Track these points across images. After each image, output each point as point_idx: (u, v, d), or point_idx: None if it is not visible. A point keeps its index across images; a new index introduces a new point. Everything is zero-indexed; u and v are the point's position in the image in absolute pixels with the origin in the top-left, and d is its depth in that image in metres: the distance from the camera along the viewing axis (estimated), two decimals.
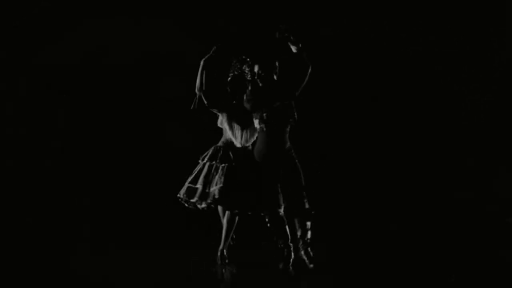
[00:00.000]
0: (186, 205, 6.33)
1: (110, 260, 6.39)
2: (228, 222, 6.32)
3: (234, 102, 6.45)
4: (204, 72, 6.33)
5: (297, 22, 9.17)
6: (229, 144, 6.38)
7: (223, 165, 6.23)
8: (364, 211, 9.03)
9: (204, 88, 6.32)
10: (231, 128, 6.33)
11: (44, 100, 8.97)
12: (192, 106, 6.39)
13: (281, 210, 6.20)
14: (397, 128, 9.47)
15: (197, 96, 6.37)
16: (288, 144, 6.34)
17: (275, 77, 6.45)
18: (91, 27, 9.01)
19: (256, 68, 6.46)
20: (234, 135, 6.32)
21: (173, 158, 8.95)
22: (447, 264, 6.23)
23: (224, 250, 6.33)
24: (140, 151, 9.07)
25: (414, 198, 9.34)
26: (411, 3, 9.46)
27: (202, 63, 6.36)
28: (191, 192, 6.26)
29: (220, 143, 6.43)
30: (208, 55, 6.35)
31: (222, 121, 6.41)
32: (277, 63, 6.48)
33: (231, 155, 6.27)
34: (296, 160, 6.33)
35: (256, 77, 6.43)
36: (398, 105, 9.51)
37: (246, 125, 6.34)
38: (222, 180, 6.14)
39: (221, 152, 6.33)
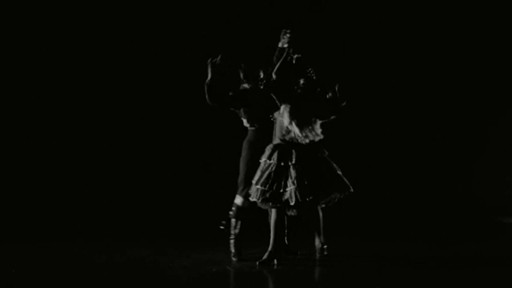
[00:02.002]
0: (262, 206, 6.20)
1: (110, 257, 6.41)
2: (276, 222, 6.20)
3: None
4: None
5: (299, 22, 9.25)
6: (288, 141, 6.17)
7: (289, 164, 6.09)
8: (365, 211, 9.03)
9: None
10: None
11: (44, 100, 8.99)
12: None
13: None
14: (398, 127, 9.47)
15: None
16: None
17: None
18: (91, 27, 9.04)
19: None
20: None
21: (170, 158, 8.99)
22: (447, 263, 6.23)
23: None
24: (138, 152, 9.11)
25: (415, 198, 9.35)
26: (411, 4, 9.48)
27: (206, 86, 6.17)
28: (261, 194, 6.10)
29: (276, 142, 6.23)
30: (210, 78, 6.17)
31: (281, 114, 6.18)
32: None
33: (293, 153, 6.09)
34: None
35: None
36: (399, 105, 9.52)
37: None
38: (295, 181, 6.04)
39: (281, 150, 6.14)
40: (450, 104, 9.57)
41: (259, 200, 6.10)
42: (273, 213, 6.19)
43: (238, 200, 6.30)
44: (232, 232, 6.33)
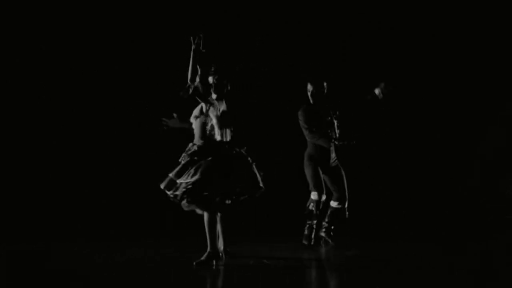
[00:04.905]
0: (171, 197, 6.34)
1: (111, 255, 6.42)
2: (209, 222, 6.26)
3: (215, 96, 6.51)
4: (195, 63, 6.38)
5: (299, 22, 9.26)
6: (206, 139, 6.39)
7: (196, 159, 6.27)
8: (365, 211, 9.02)
9: (197, 79, 6.40)
10: (217, 119, 6.38)
11: (44, 100, 9.00)
12: (181, 93, 6.41)
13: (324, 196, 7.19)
14: (398, 127, 9.47)
15: (189, 86, 6.40)
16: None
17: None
18: (91, 27, 9.05)
19: (310, 87, 7.31)
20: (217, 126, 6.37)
21: (170, 158, 8.98)
22: (447, 263, 6.23)
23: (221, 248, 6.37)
24: (138, 152, 9.12)
25: (415, 198, 9.35)
26: (411, 4, 9.48)
27: (192, 54, 6.39)
28: (171, 185, 6.29)
29: (196, 141, 6.46)
30: (194, 46, 6.41)
31: (206, 113, 6.43)
32: (325, 84, 7.34)
33: (205, 151, 6.29)
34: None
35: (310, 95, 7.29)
36: (399, 105, 9.50)
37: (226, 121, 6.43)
38: (194, 174, 6.17)
39: (196, 149, 6.34)
40: (449, 104, 9.56)
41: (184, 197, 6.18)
42: (205, 214, 6.26)
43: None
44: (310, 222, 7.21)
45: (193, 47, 6.39)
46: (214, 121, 6.40)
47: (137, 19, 9.10)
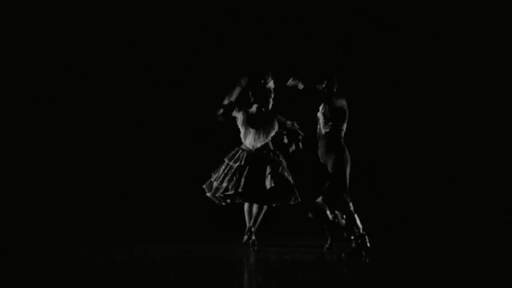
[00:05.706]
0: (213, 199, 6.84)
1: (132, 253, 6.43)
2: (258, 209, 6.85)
3: (254, 106, 6.90)
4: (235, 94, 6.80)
5: (299, 22, 9.26)
6: (247, 146, 6.88)
7: (236, 164, 6.76)
8: (365, 211, 9.02)
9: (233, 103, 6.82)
10: (246, 129, 6.84)
11: (44, 100, 9.00)
12: (220, 119, 6.83)
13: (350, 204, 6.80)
14: (398, 127, 9.47)
15: (220, 112, 6.81)
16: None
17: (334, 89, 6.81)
18: (91, 27, 9.05)
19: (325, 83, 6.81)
20: (245, 137, 6.86)
21: (171, 158, 9.00)
22: (447, 263, 6.23)
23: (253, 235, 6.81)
24: (138, 152, 9.12)
25: (415, 198, 9.35)
26: (411, 4, 9.49)
27: (237, 88, 6.80)
28: (210, 187, 6.82)
29: (242, 146, 6.93)
30: (243, 84, 6.80)
31: (243, 122, 6.90)
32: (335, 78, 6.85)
33: (244, 156, 6.77)
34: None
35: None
36: (399, 105, 9.51)
37: (259, 128, 6.86)
38: (234, 178, 6.69)
39: (238, 153, 6.83)
40: (449, 104, 9.56)
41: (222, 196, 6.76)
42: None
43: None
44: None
45: (242, 83, 6.78)
46: (247, 129, 6.84)
47: (137, 19, 9.11)
